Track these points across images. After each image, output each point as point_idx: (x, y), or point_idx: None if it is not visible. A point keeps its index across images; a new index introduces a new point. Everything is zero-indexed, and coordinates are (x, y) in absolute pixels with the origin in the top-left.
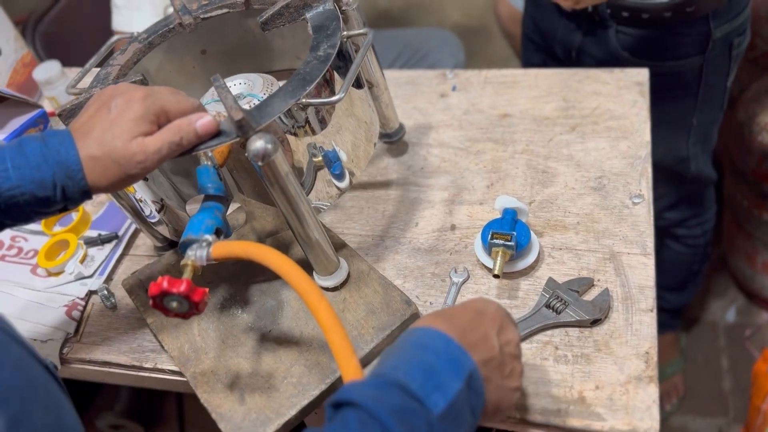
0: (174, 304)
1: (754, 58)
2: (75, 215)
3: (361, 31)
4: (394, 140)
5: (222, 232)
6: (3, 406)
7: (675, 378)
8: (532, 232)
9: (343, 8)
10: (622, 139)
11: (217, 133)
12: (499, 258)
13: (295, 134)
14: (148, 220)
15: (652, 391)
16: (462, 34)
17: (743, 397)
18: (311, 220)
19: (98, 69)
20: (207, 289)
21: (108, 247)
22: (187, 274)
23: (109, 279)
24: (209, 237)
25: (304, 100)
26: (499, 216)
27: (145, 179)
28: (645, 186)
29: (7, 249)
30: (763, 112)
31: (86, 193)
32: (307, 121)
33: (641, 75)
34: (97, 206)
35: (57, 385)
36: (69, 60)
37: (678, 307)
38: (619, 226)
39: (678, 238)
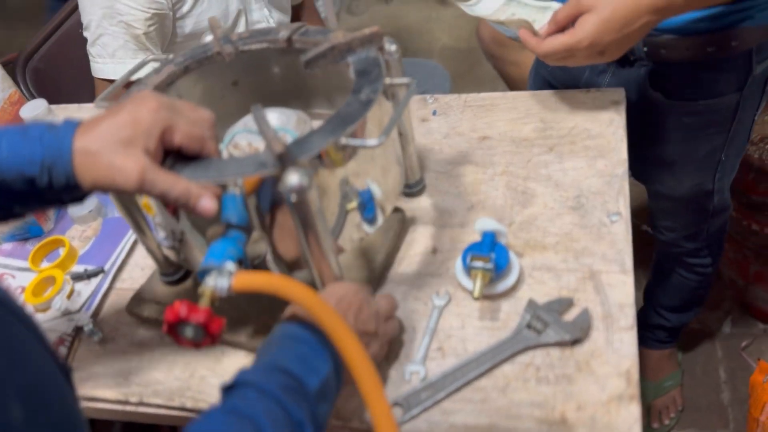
0: (189, 333)
1: None
2: (62, 251)
3: (404, 80)
4: (414, 191)
5: (243, 263)
6: (24, 401)
7: (673, 392)
8: (511, 253)
9: (386, 57)
10: (599, 158)
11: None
12: (478, 280)
13: (328, 170)
14: (162, 243)
15: (634, 410)
16: (451, 56)
17: (742, 409)
18: (334, 263)
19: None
20: (224, 320)
21: (94, 281)
22: (205, 303)
23: (96, 313)
24: (232, 266)
25: (343, 140)
26: (479, 238)
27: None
28: (623, 204)
29: None
30: None
31: (73, 186)
32: (343, 159)
33: (617, 94)
34: (84, 241)
35: (70, 389)
36: (61, 96)
37: (678, 326)
38: (598, 245)
39: (689, 265)
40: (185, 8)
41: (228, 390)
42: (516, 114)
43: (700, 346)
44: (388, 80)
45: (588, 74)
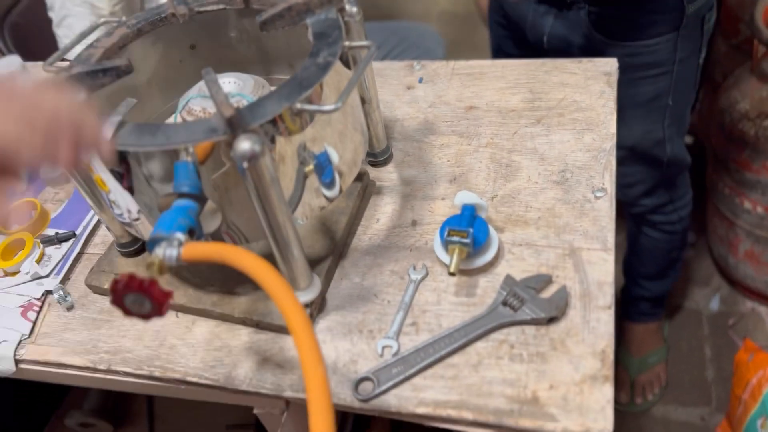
0: (135, 304)
1: (738, 44)
2: (34, 213)
3: (364, 43)
4: (379, 160)
5: (195, 233)
6: None
7: (657, 367)
8: (491, 228)
9: (346, 19)
10: (587, 132)
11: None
12: (455, 255)
13: (284, 137)
14: (118, 219)
15: (607, 391)
16: (449, 21)
17: (726, 387)
18: (292, 233)
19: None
20: (172, 291)
21: (65, 245)
22: (153, 273)
23: (66, 278)
24: (181, 236)
25: (298, 105)
26: (458, 212)
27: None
28: (608, 180)
29: None
30: (743, 100)
31: None
32: (299, 126)
33: (609, 65)
34: (56, 204)
35: None
36: (42, 53)
37: (659, 295)
38: (581, 221)
39: (655, 224)
40: None
41: None
42: (504, 83)
43: (686, 323)
44: (347, 43)
45: (532, 16)
